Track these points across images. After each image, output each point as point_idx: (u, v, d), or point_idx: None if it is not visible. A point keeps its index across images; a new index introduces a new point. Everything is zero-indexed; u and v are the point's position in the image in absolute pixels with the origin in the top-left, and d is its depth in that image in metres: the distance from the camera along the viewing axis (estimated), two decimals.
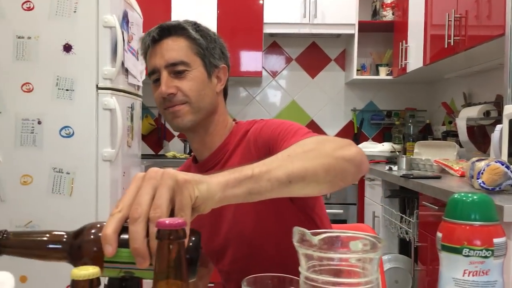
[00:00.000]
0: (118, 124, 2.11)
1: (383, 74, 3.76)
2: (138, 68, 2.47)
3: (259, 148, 1.06)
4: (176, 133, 4.03)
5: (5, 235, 0.59)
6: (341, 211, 3.34)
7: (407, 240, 2.61)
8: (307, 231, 0.56)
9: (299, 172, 0.73)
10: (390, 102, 4.03)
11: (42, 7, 2.06)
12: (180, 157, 3.72)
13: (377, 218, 2.98)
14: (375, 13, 3.84)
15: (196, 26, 1.15)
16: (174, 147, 4.01)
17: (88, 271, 0.49)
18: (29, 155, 2.07)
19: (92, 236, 0.59)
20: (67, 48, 2.07)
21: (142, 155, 2.87)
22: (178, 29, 1.12)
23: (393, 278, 2.60)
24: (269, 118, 1.21)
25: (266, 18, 3.61)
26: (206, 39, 1.14)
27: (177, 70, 1.10)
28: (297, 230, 0.57)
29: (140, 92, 2.62)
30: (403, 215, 2.66)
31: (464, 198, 0.61)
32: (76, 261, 0.61)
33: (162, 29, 1.11)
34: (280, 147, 0.96)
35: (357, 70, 3.73)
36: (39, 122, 2.07)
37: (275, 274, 0.72)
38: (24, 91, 2.07)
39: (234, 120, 1.25)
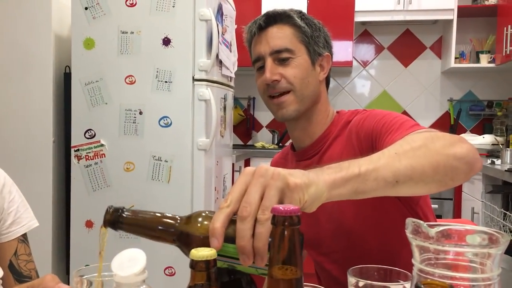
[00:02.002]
0: (212, 115, 2.18)
1: (484, 61, 3.52)
2: (231, 60, 2.53)
3: (361, 139, 1.04)
4: (264, 124, 4.08)
5: (123, 213, 0.63)
6: (436, 206, 3.19)
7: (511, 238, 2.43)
8: (422, 222, 0.54)
9: (406, 172, 0.70)
10: (491, 92, 3.76)
11: (144, 3, 2.17)
12: (269, 147, 3.76)
13: (476, 214, 2.81)
14: None
15: (302, 14, 1.16)
16: (263, 138, 4.06)
17: (205, 252, 0.52)
18: (132, 143, 2.21)
19: (200, 226, 0.61)
20: (166, 41, 2.17)
21: (232, 145, 2.94)
22: (284, 17, 1.13)
23: None
24: (358, 109, 1.19)
25: (358, 6, 3.52)
26: (311, 27, 1.15)
27: (281, 57, 1.11)
28: (410, 221, 0.56)
29: (232, 83, 2.68)
30: (507, 212, 2.49)
31: None
32: (184, 247, 0.63)
33: (268, 17, 1.13)
34: (384, 140, 0.93)
35: (455, 58, 3.52)
36: (141, 113, 2.20)
37: (381, 266, 0.71)
38: (127, 83, 2.20)
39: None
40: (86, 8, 2.21)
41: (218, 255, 0.58)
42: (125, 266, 0.50)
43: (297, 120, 1.15)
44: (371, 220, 1.06)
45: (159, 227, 0.64)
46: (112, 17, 2.20)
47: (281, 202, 0.59)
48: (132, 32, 2.18)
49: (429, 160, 0.73)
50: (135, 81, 2.19)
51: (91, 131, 2.23)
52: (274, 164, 1.31)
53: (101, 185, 2.23)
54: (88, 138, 2.23)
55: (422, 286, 0.42)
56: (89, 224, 2.25)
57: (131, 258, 0.52)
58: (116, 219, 0.62)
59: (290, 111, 1.12)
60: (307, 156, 1.16)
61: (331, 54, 1.21)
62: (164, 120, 2.19)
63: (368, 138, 1.01)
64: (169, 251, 2.20)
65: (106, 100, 2.21)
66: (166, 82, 2.18)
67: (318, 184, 0.63)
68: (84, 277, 0.60)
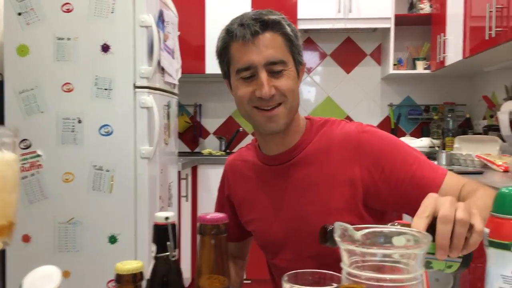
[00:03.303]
0: (155, 122, 2.15)
1: (420, 68, 3.67)
2: (174, 67, 2.50)
3: (371, 165, 1.07)
4: (211, 131, 4.06)
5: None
6: None
7: None
8: (349, 226, 0.55)
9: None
10: (428, 97, 3.93)
11: (81, 8, 2.11)
12: (216, 154, 3.74)
13: None
14: (411, 6, 3.75)
15: (286, 21, 1.09)
16: (210, 145, 4.04)
17: (132, 265, 0.50)
18: (70, 153, 2.13)
19: None
20: (105, 48, 2.12)
21: (178, 152, 2.90)
22: (275, 24, 1.06)
23: (433, 277, 2.53)
24: (304, 114, 1.19)
25: (300, 14, 3.58)
26: (296, 35, 1.09)
27: (275, 69, 1.04)
28: (338, 225, 0.57)
29: (176, 90, 2.65)
30: None
31: None
32: None
33: (263, 23, 1.04)
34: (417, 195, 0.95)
35: (394, 64, 3.65)
36: (79, 121, 2.13)
37: (316, 270, 0.71)
38: (65, 91, 2.13)
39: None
40: (19, 14, 2.12)
41: None
42: (37, 284, 0.48)
43: (278, 133, 1.11)
44: None
45: None
46: (48, 23, 2.12)
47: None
48: (69, 39, 2.11)
49: None
50: (73, 89, 2.12)
51: (27, 141, 2.14)
52: (231, 165, 1.26)
53: (38, 197, 2.14)
54: (23, 149, 2.14)
55: None
56: (26, 238, 2.15)
57: (44, 276, 0.49)
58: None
59: (281, 125, 1.07)
60: (279, 162, 1.14)
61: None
62: (104, 128, 2.14)
63: (391, 175, 1.05)
64: (112, 264, 2.14)
65: (42, 108, 2.13)
66: (106, 89, 2.12)
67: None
68: None
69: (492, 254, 0.60)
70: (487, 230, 0.60)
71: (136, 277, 0.50)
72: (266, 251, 1.24)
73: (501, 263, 0.58)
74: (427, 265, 0.72)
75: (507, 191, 0.59)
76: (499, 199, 0.60)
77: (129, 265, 0.50)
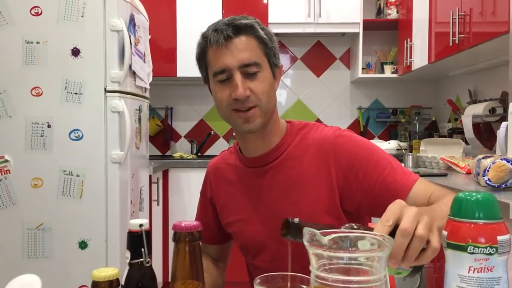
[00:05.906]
0: (126, 127, 2.14)
1: (388, 72, 3.76)
2: (145, 71, 2.50)
3: (346, 168, 1.10)
4: (182, 134, 4.06)
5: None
6: None
7: None
8: (317, 231, 0.58)
9: None
10: (395, 100, 4.03)
11: (50, 12, 2.09)
12: (187, 157, 3.74)
13: None
14: (379, 11, 3.85)
15: (260, 24, 1.13)
16: (181, 148, 4.04)
17: (108, 272, 0.52)
18: (39, 158, 2.11)
19: None
20: (75, 52, 2.10)
21: (149, 156, 2.89)
22: (248, 28, 1.09)
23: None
24: (310, 122, 1.23)
25: (271, 18, 3.62)
26: (270, 38, 1.13)
27: (249, 71, 1.08)
28: (307, 231, 0.59)
29: (147, 94, 2.64)
30: None
31: (468, 197, 0.63)
32: None
33: (235, 27, 1.08)
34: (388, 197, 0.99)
35: (362, 68, 3.74)
36: (49, 126, 2.10)
37: (286, 273, 0.74)
38: (34, 95, 2.10)
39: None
40: None
41: None
42: None
43: (255, 132, 1.14)
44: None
45: None
46: (16, 26, 2.09)
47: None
48: (38, 42, 2.09)
49: None
50: (42, 93, 2.10)
51: None
52: (214, 168, 1.28)
53: (6, 203, 2.10)
54: None
55: None
56: None
57: (25, 285, 0.51)
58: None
59: (255, 125, 1.11)
60: (260, 164, 1.17)
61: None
62: (75, 133, 2.12)
63: (360, 177, 1.09)
64: (83, 270, 2.13)
65: (10, 113, 2.10)
66: (76, 93, 2.11)
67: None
68: None
69: (450, 255, 0.63)
70: (445, 233, 0.64)
71: (113, 283, 0.51)
72: (246, 253, 1.25)
73: (459, 264, 0.62)
74: None
75: (463, 196, 0.63)
76: (456, 204, 0.64)
77: (105, 272, 0.51)
